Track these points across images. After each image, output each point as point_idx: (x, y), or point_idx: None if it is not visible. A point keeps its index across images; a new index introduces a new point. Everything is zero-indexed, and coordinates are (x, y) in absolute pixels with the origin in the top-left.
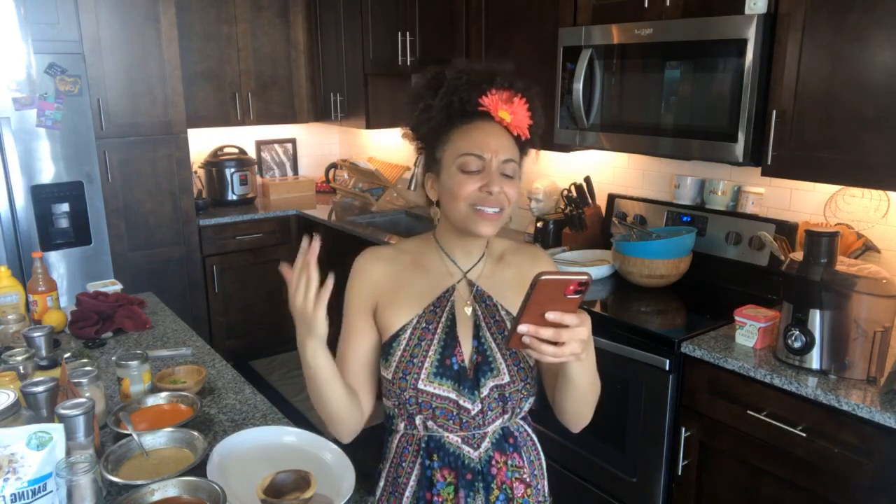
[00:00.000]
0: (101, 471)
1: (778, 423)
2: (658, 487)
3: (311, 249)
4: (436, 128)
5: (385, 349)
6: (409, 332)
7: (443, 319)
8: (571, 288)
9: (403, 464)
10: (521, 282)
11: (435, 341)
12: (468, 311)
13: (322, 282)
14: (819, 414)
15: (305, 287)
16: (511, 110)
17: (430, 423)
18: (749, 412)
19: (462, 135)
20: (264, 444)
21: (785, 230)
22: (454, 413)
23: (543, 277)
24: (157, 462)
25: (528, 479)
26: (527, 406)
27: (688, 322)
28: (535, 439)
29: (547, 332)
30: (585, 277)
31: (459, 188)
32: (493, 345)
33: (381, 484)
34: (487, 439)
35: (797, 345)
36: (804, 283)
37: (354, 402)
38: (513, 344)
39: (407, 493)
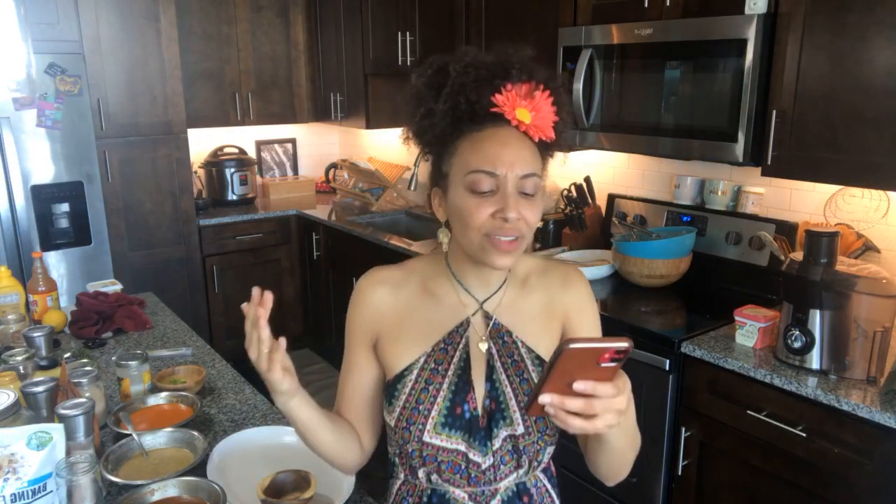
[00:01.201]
0: (101, 471)
1: (778, 423)
2: (658, 487)
3: (261, 304)
4: (440, 136)
5: (388, 389)
6: (415, 373)
7: (455, 360)
8: (607, 356)
9: None
10: (548, 310)
11: (445, 386)
12: (483, 347)
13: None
14: (819, 414)
15: (258, 345)
16: (532, 106)
17: (434, 477)
18: (749, 412)
19: (471, 145)
20: (264, 444)
21: (785, 230)
22: (462, 467)
23: (570, 346)
24: (157, 462)
25: None
26: (546, 457)
27: (688, 322)
28: (555, 496)
29: (575, 404)
30: (625, 344)
31: (470, 215)
32: (508, 389)
33: None
34: (498, 497)
35: (797, 345)
36: (804, 283)
37: (349, 443)
38: (533, 412)
39: None
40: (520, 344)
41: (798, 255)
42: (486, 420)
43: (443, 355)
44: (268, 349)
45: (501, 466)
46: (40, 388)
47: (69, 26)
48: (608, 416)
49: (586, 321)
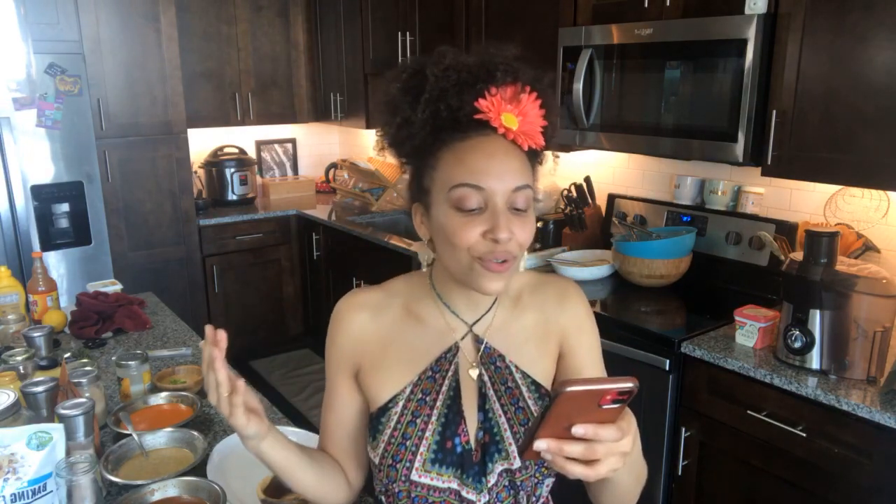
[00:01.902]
0: (101, 471)
1: (778, 423)
2: (658, 487)
3: (216, 344)
4: (420, 147)
5: (372, 423)
6: (400, 405)
7: (444, 389)
8: (609, 398)
9: None
10: (544, 331)
11: (434, 418)
12: (473, 374)
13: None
14: (819, 414)
15: (216, 389)
16: (519, 111)
17: None
18: (749, 412)
19: (454, 157)
20: None
21: (785, 230)
22: None
23: (568, 390)
24: (157, 462)
25: None
26: (545, 491)
27: (688, 322)
28: None
29: (575, 450)
30: (629, 385)
31: (456, 234)
32: (503, 419)
33: None
34: None
35: (797, 345)
36: (804, 283)
37: (333, 481)
38: (527, 456)
39: None
40: (514, 369)
41: (798, 255)
42: (480, 454)
43: (430, 384)
44: (227, 392)
45: None
46: (40, 388)
47: (69, 26)
48: (611, 461)
49: (585, 341)
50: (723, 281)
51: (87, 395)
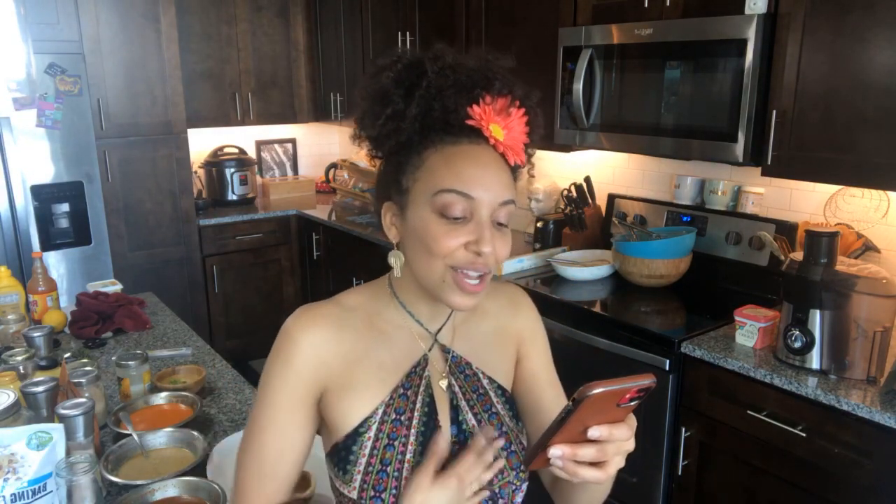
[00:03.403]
0: (101, 471)
1: (778, 423)
2: (658, 487)
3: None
4: (405, 143)
5: (339, 454)
6: (373, 429)
7: (417, 406)
8: (628, 397)
9: None
10: (502, 336)
11: (412, 438)
12: (444, 385)
13: None
14: (819, 414)
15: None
16: (505, 124)
17: None
18: (749, 412)
19: (444, 160)
20: None
21: (785, 230)
22: None
23: (594, 392)
24: (157, 462)
25: None
26: (520, 497)
27: (688, 322)
28: None
29: (588, 453)
30: (648, 382)
31: (437, 241)
32: (476, 429)
33: None
34: None
35: (797, 345)
36: (804, 283)
37: None
38: (534, 466)
39: None
40: (481, 375)
41: (798, 255)
42: None
43: (403, 402)
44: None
45: None
46: (40, 388)
47: (69, 26)
48: (618, 460)
49: (537, 347)
50: (723, 281)
51: (87, 395)
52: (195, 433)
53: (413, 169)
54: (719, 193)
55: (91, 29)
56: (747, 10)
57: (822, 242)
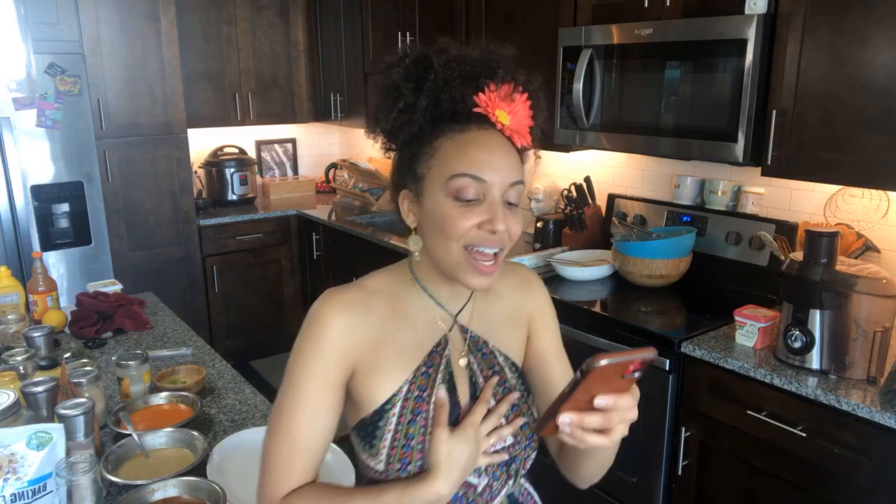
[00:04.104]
0: (101, 471)
1: (778, 423)
2: (658, 487)
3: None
4: (418, 134)
5: (366, 429)
6: (398, 405)
7: (438, 383)
8: (631, 368)
9: None
10: (513, 316)
11: (433, 413)
12: (463, 363)
13: None
14: (819, 414)
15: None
16: (510, 109)
17: None
18: (749, 412)
19: (455, 147)
20: None
21: (785, 230)
22: (460, 494)
23: (601, 363)
24: (157, 462)
25: None
26: (530, 463)
27: (688, 322)
28: (537, 497)
29: (594, 421)
30: (651, 355)
31: (452, 224)
32: (492, 402)
33: None
34: None
35: (797, 345)
36: (804, 283)
37: None
38: (546, 432)
39: None
40: (497, 353)
41: (798, 255)
42: None
43: (425, 380)
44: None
45: (494, 483)
46: (40, 388)
47: (69, 26)
48: (621, 428)
49: (546, 324)
50: (723, 281)
51: (87, 395)
52: (195, 433)
53: (426, 157)
54: (719, 193)
55: (91, 29)
56: (747, 10)
57: (822, 242)
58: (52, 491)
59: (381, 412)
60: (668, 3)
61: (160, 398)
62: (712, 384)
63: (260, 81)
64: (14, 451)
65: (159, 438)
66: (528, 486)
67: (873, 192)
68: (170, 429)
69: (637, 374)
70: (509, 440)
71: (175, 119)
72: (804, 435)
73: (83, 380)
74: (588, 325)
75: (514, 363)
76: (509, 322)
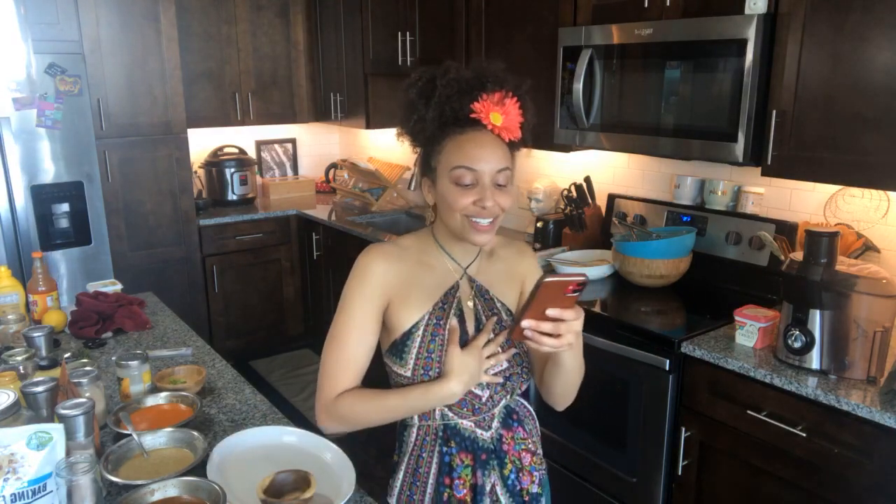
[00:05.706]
0: (101, 471)
1: (778, 423)
2: (658, 487)
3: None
4: (430, 137)
5: (397, 347)
6: (422, 329)
7: (450, 315)
8: (571, 288)
9: (423, 454)
10: (510, 275)
11: (447, 336)
12: (470, 304)
13: None
14: (819, 414)
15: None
16: (502, 111)
17: (446, 411)
18: (749, 412)
19: (455, 146)
20: (264, 444)
21: (785, 230)
22: (467, 401)
23: (547, 280)
24: (157, 462)
25: (532, 448)
26: (524, 386)
27: (688, 322)
28: (531, 409)
29: (547, 326)
30: (583, 278)
31: (454, 201)
32: (492, 335)
33: (400, 476)
34: (496, 419)
35: (797, 345)
36: (804, 283)
37: None
38: (515, 336)
39: (430, 481)
40: (496, 300)
41: (798, 255)
42: None
43: (441, 312)
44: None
45: (495, 396)
46: (40, 388)
47: (69, 26)
48: (570, 336)
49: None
50: (723, 281)
51: (87, 395)
52: (195, 433)
53: (436, 154)
54: (719, 193)
55: (91, 29)
56: (747, 10)
57: (822, 242)
58: (52, 491)
59: (409, 334)
60: (668, 3)
61: (160, 398)
62: (712, 384)
63: (260, 81)
64: (14, 451)
65: (159, 438)
66: (523, 400)
67: (873, 192)
68: (170, 429)
69: (576, 294)
70: (505, 364)
71: (175, 119)
72: (804, 435)
73: (83, 380)
74: (588, 325)
75: (510, 309)
76: (507, 279)
